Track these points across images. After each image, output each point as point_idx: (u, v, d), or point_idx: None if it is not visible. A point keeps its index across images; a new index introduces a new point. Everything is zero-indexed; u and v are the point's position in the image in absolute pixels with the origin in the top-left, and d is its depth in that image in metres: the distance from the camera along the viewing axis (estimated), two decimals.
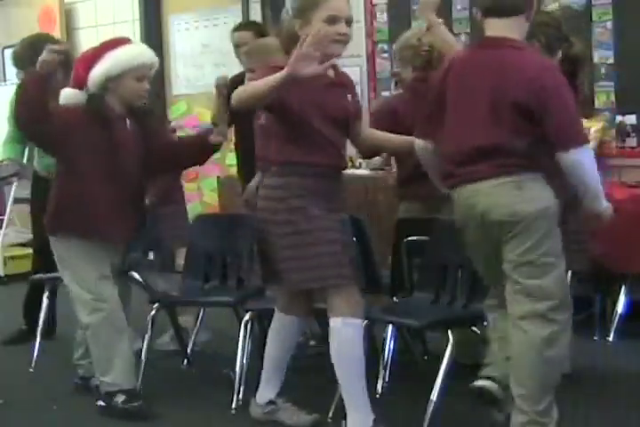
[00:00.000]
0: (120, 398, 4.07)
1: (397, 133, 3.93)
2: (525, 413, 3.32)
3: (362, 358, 3.56)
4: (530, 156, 3.33)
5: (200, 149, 4.24)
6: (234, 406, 4.08)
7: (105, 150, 4.03)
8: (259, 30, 5.18)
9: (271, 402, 3.88)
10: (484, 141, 3.36)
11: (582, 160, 3.30)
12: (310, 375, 4.40)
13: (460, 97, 3.46)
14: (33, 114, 3.90)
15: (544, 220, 3.32)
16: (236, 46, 5.14)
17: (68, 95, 4.14)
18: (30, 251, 7.67)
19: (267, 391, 3.89)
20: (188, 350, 4.84)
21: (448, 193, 3.60)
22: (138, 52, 4.16)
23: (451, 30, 5.28)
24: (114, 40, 4.30)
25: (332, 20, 3.53)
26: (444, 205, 4.36)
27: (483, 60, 3.45)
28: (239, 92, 3.44)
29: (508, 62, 3.38)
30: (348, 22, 3.58)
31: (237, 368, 4.16)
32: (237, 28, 5.32)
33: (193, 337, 4.93)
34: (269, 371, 3.90)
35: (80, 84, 4.12)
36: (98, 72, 4.06)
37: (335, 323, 3.56)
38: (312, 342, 4.94)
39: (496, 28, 3.46)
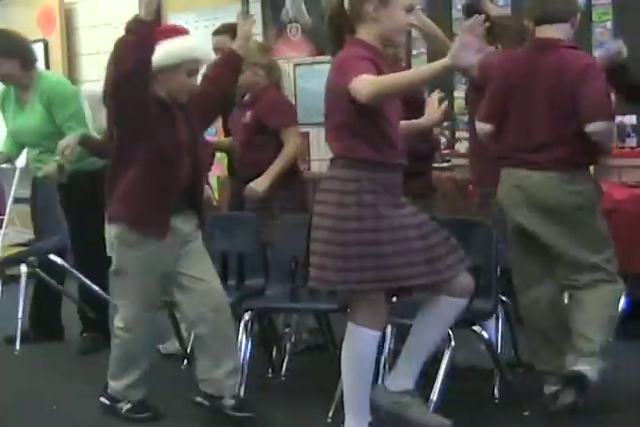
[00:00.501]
0: (125, 406, 4.08)
1: None
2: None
3: (371, 367, 3.55)
4: (582, 152, 3.83)
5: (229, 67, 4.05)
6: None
7: (171, 138, 3.80)
8: (235, 33, 5.21)
9: (407, 392, 3.58)
10: (545, 138, 3.85)
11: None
12: (310, 376, 4.41)
13: (525, 93, 3.90)
14: (143, 60, 3.61)
15: (587, 212, 3.79)
16: (215, 50, 5.26)
17: None
18: None
19: (404, 378, 3.60)
20: (188, 350, 4.84)
21: (437, 192, 3.81)
22: (195, 45, 3.88)
23: (450, 30, 5.30)
24: (171, 28, 4.06)
25: (408, 9, 3.57)
26: (435, 203, 4.43)
27: (542, 59, 3.90)
28: (369, 85, 3.21)
29: (564, 61, 3.82)
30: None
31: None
32: (216, 33, 5.51)
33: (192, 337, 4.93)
34: (411, 356, 3.62)
35: None
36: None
37: (352, 330, 3.54)
38: (304, 336, 4.94)
39: (548, 33, 3.95)
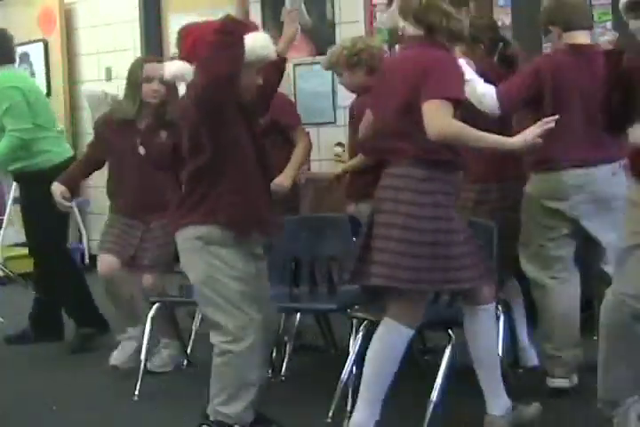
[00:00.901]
0: None
1: None
2: None
3: (397, 364, 3.56)
4: (620, 146, 3.84)
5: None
6: None
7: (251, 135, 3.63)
8: None
9: (513, 408, 3.67)
10: (597, 136, 3.89)
11: None
12: (310, 376, 4.41)
13: (570, 95, 4.04)
14: (239, 60, 3.42)
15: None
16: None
17: (179, 67, 3.55)
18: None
19: (499, 398, 3.65)
20: (188, 350, 4.84)
21: None
22: (268, 43, 3.65)
23: None
24: (240, 22, 3.75)
25: None
26: None
27: (583, 65, 4.06)
28: (448, 128, 3.34)
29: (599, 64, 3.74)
30: None
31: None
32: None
33: (193, 337, 4.93)
34: (488, 373, 3.66)
35: (188, 59, 3.54)
36: None
37: (389, 324, 3.57)
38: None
39: (580, 39, 4.12)
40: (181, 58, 3.56)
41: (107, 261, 4.70)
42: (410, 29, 3.59)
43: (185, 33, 3.61)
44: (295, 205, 4.98)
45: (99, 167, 5.01)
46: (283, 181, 4.69)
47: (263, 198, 3.59)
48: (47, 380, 4.78)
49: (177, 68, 3.53)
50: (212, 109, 3.42)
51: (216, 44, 3.36)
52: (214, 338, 3.51)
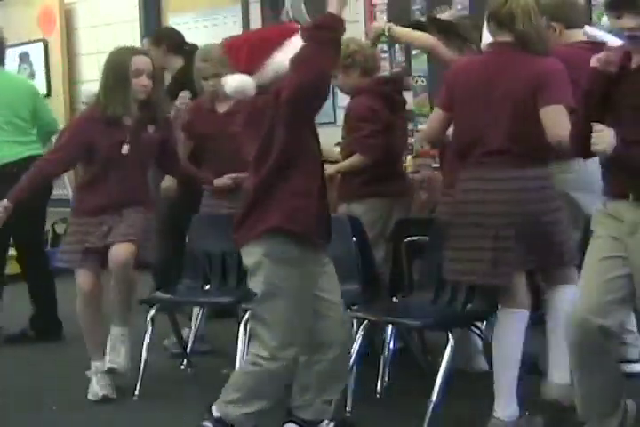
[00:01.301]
0: None
1: None
2: None
3: (520, 346, 3.65)
4: None
5: None
6: None
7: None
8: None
9: (520, 416, 3.65)
10: None
11: None
12: None
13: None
14: (337, 60, 3.48)
15: None
16: None
17: (241, 81, 3.40)
18: None
19: (512, 405, 3.65)
20: (188, 350, 4.83)
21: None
22: None
23: None
24: (287, 27, 3.80)
25: None
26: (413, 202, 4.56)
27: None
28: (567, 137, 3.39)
29: None
30: None
31: (237, 367, 4.15)
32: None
33: (192, 338, 4.91)
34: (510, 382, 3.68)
35: (248, 70, 3.41)
36: (283, 60, 3.36)
37: (513, 313, 3.69)
38: None
39: (579, 37, 4.10)
40: (241, 71, 3.40)
41: (85, 275, 4.42)
42: (496, 35, 3.71)
43: (235, 45, 3.51)
44: None
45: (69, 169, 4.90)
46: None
47: (326, 208, 3.56)
48: (47, 380, 4.77)
49: (239, 83, 3.37)
50: (307, 108, 3.34)
51: (319, 40, 3.26)
52: (253, 348, 3.47)
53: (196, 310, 4.88)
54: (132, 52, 4.40)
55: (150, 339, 4.51)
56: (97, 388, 4.36)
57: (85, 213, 4.47)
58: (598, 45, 3.81)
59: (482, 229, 3.63)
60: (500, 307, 3.71)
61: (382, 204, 4.65)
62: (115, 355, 4.38)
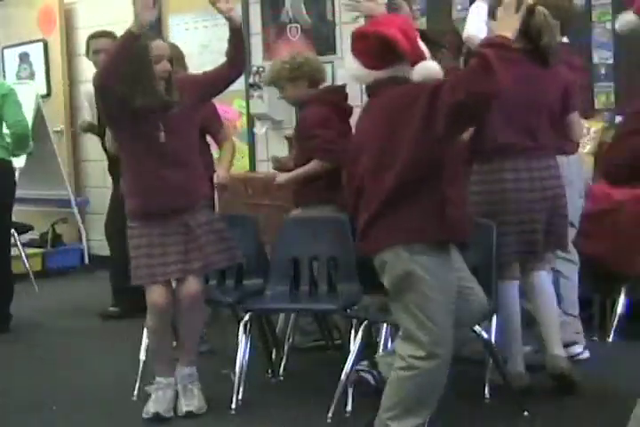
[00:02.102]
0: None
1: None
2: None
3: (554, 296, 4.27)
4: None
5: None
6: (233, 406, 4.07)
7: None
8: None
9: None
10: None
11: None
12: (309, 376, 4.40)
13: None
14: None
15: None
16: (96, 52, 5.95)
17: (431, 68, 3.33)
18: (31, 251, 7.75)
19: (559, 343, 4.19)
20: None
21: None
22: None
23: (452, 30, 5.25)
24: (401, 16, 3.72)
25: None
26: None
27: None
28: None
29: None
30: None
31: (237, 368, 4.14)
32: (96, 36, 6.05)
33: None
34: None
35: (413, 59, 3.33)
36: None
37: (538, 276, 4.23)
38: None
39: None
40: (410, 59, 3.30)
41: (159, 291, 4.09)
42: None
43: (392, 31, 3.31)
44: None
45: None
46: (224, 174, 5.07)
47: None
48: (48, 379, 4.77)
49: (429, 70, 3.29)
50: (476, 116, 3.35)
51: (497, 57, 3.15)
52: (405, 350, 3.34)
53: None
54: (149, 38, 4.07)
55: None
56: (151, 405, 4.09)
57: (145, 218, 4.11)
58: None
59: (532, 214, 4.09)
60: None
61: (336, 210, 4.71)
62: (189, 397, 4.10)
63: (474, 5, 4.36)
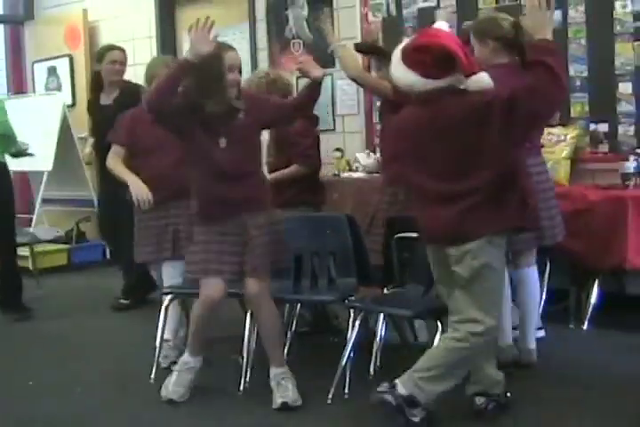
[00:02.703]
0: (420, 415, 3.41)
1: None
2: None
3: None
4: None
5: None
6: (241, 387, 4.05)
7: None
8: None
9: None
10: None
11: None
12: (312, 361, 4.38)
13: None
14: None
15: None
16: (114, 62, 5.97)
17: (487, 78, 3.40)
18: (57, 247, 7.75)
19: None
20: None
21: None
22: None
23: None
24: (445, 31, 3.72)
25: None
26: None
27: None
28: None
29: None
30: None
31: (245, 353, 4.13)
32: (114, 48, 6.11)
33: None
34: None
35: (467, 71, 3.37)
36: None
37: (529, 270, 4.22)
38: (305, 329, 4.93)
39: None
40: (464, 70, 3.34)
41: (215, 285, 3.94)
42: (497, 55, 3.96)
43: (453, 44, 3.36)
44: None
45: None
46: None
47: None
48: (71, 363, 4.75)
49: (484, 81, 3.37)
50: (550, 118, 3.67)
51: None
52: (464, 327, 3.39)
53: None
54: (223, 48, 3.91)
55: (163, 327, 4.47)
56: (170, 389, 4.01)
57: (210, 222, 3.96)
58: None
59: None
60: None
61: (312, 210, 4.96)
62: (283, 390, 3.89)
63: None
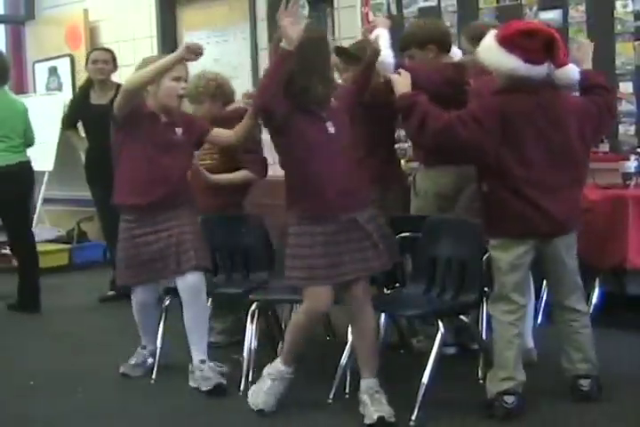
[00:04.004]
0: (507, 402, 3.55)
1: None
2: None
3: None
4: None
5: None
6: (242, 387, 4.04)
7: None
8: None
9: None
10: None
11: None
12: (313, 361, 4.38)
13: None
14: None
15: None
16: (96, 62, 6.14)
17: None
18: (58, 246, 7.74)
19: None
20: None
21: None
22: None
23: None
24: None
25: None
26: None
27: None
28: None
29: None
30: None
31: (245, 354, 4.12)
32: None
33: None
34: None
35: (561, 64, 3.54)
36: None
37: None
38: None
39: (448, 58, 4.42)
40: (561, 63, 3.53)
41: (323, 294, 3.62)
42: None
43: (551, 35, 3.50)
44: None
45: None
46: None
47: None
48: (74, 363, 4.75)
49: (575, 73, 3.60)
50: None
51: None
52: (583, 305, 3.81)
53: None
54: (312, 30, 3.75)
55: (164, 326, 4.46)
56: (262, 398, 3.75)
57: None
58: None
59: None
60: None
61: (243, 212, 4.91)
62: (378, 404, 3.58)
63: (375, 32, 4.06)
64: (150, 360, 4.45)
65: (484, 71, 4.00)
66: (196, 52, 3.92)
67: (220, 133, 4.39)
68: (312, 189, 3.56)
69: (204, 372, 4.11)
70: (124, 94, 4.03)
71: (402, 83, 3.66)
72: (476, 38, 4.15)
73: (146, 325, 4.48)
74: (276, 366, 3.76)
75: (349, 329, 3.83)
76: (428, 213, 4.19)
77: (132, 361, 4.47)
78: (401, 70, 3.75)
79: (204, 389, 4.07)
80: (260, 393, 3.75)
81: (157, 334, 4.43)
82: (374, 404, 3.57)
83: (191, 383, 4.15)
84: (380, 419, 3.50)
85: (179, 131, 4.22)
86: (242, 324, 4.32)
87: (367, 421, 3.54)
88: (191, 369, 4.18)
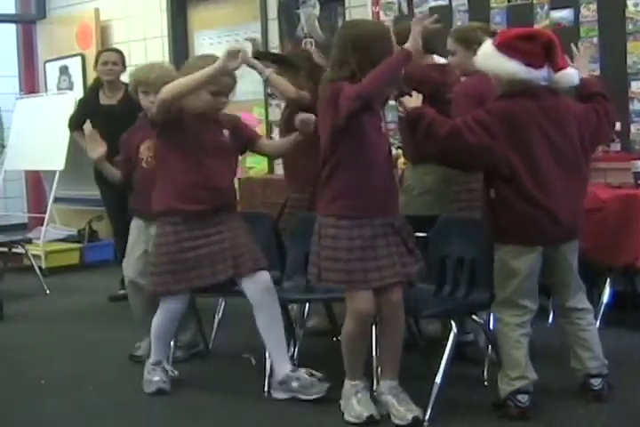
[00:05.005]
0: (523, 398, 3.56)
1: None
2: None
3: None
4: None
5: None
6: (266, 388, 4.02)
7: None
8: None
9: None
10: None
11: None
12: (322, 359, 4.38)
13: None
14: None
15: None
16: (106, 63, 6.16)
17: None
18: (69, 246, 7.76)
19: None
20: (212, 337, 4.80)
21: None
22: None
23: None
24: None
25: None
26: None
27: None
28: None
29: None
30: None
31: (267, 353, 4.05)
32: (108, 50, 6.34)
33: (215, 326, 4.87)
34: None
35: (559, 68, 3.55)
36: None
37: None
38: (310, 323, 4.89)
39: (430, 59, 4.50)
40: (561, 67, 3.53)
41: (364, 297, 3.54)
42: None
43: (552, 39, 3.51)
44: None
45: None
46: None
47: None
48: (83, 360, 4.76)
49: (574, 78, 3.59)
50: None
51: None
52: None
53: None
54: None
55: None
56: (360, 409, 3.57)
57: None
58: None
59: None
60: None
61: None
62: (407, 403, 3.57)
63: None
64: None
65: (468, 73, 4.06)
66: (237, 57, 3.66)
67: (270, 143, 4.43)
68: (364, 187, 3.49)
69: (301, 380, 3.90)
70: (161, 103, 3.83)
71: (412, 101, 3.64)
72: (463, 40, 4.22)
73: (165, 337, 4.20)
74: (346, 387, 3.65)
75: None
76: (414, 211, 4.21)
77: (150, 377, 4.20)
78: (413, 92, 3.70)
79: (304, 397, 3.87)
80: (356, 407, 3.60)
81: (170, 346, 4.31)
82: (402, 404, 3.55)
83: (279, 395, 3.94)
84: (415, 419, 3.49)
85: (226, 133, 4.09)
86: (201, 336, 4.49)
87: (399, 421, 3.51)
88: (281, 380, 3.95)
